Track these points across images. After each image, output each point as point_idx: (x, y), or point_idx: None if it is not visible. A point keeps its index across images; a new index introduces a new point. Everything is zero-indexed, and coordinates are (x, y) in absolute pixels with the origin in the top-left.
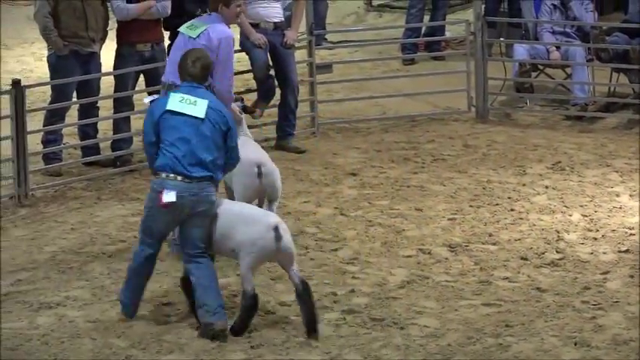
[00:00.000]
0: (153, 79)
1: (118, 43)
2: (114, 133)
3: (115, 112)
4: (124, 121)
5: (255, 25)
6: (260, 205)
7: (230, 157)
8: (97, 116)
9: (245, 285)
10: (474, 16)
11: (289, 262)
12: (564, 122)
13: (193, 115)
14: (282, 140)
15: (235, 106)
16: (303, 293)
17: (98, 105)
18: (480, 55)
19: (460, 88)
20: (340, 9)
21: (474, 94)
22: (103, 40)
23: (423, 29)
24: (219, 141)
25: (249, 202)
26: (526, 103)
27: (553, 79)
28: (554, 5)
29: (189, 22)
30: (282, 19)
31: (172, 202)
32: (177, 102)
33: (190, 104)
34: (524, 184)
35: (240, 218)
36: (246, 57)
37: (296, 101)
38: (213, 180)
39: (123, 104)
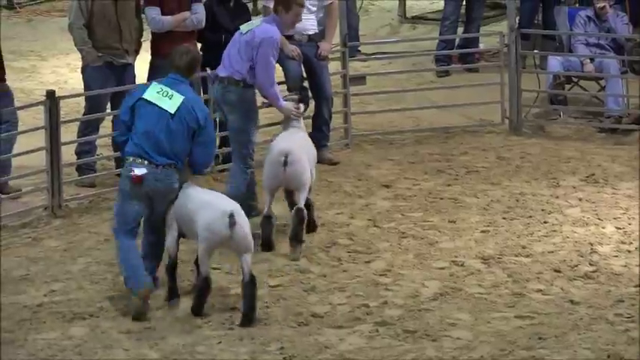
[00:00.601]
0: None
1: (152, 54)
2: None
3: None
4: None
5: (290, 37)
6: (291, 196)
7: (205, 153)
8: None
9: (200, 267)
10: (508, 28)
11: (243, 249)
12: (598, 134)
13: (164, 108)
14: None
15: (289, 104)
16: (248, 285)
17: None
18: (514, 67)
19: (494, 100)
20: (374, 21)
21: (508, 106)
22: (137, 51)
23: (457, 41)
24: (187, 136)
25: (274, 189)
26: (560, 116)
27: (587, 91)
28: (588, 17)
29: (247, 23)
30: (317, 30)
31: (143, 176)
32: (154, 92)
33: (166, 97)
34: (557, 197)
35: (202, 203)
36: (280, 68)
37: (330, 113)
38: (177, 168)
39: None
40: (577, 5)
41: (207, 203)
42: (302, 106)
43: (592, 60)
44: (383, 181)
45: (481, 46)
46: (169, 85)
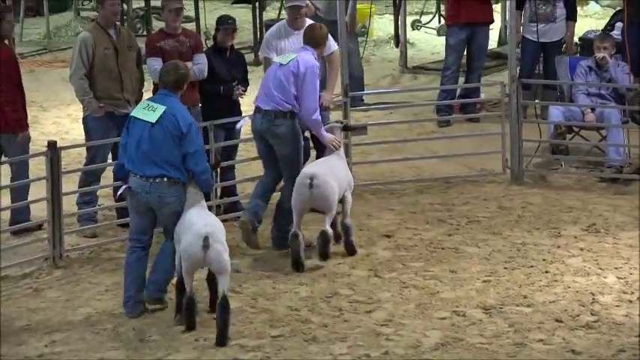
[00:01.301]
0: None
1: None
2: None
3: None
4: None
5: None
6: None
7: (193, 163)
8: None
9: (185, 285)
10: (509, 78)
11: (218, 272)
12: (599, 184)
13: (146, 120)
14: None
15: (330, 135)
16: (221, 306)
17: None
18: (515, 117)
19: (495, 150)
20: (376, 71)
21: (509, 156)
22: (138, 101)
23: (458, 91)
24: (172, 144)
25: (302, 211)
26: (561, 165)
27: (588, 141)
28: (589, 67)
29: (282, 55)
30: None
31: (126, 193)
32: (141, 109)
33: (150, 110)
34: (559, 246)
35: (187, 225)
36: None
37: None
38: (169, 180)
39: None
40: (578, 55)
41: (190, 225)
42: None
43: (593, 110)
44: (384, 231)
45: (482, 95)
46: (155, 100)
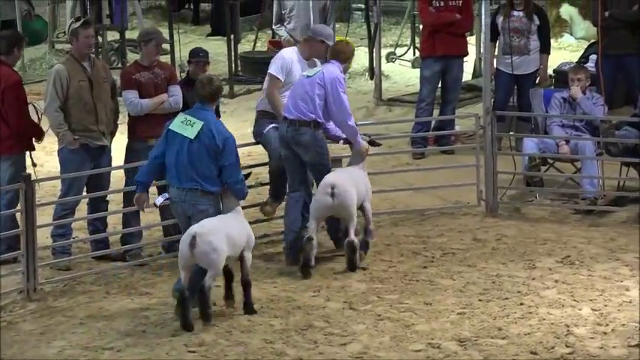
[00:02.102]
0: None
1: (129, 137)
2: (123, 227)
3: (124, 206)
4: (133, 215)
5: (266, 113)
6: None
7: (227, 175)
8: (107, 210)
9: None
10: (484, 110)
11: (205, 265)
12: (574, 216)
13: (185, 135)
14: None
15: (364, 144)
16: (199, 294)
17: (108, 199)
18: (490, 149)
19: (470, 182)
20: (351, 103)
21: (484, 188)
22: (113, 133)
23: (433, 123)
24: (209, 159)
25: (320, 218)
26: (536, 197)
27: (563, 172)
28: (563, 99)
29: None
30: None
31: (164, 202)
32: (179, 123)
33: (188, 125)
34: (533, 278)
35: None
36: (258, 151)
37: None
38: (204, 192)
39: (133, 199)
40: (552, 87)
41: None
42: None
43: (567, 141)
44: (359, 263)
45: (457, 128)
46: (192, 114)
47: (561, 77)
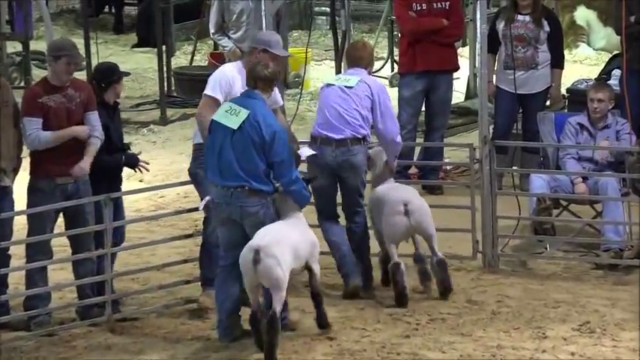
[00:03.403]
0: (76, 220)
1: (32, 174)
2: (27, 288)
3: (28, 262)
4: (39, 272)
5: None
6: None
7: (278, 173)
8: (8, 266)
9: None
10: (480, 140)
11: (270, 286)
12: (594, 272)
13: (229, 126)
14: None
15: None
16: (269, 325)
17: (10, 252)
18: (488, 188)
19: (463, 228)
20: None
21: (480, 237)
22: (16, 171)
23: (417, 155)
24: (253, 153)
25: (400, 241)
26: (546, 249)
27: (579, 217)
28: (580, 125)
29: (337, 76)
30: None
31: (206, 208)
32: (223, 112)
33: (233, 114)
34: (544, 351)
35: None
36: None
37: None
38: (251, 190)
39: (38, 251)
40: (565, 110)
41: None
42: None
43: (585, 178)
44: (324, 332)
45: (446, 159)
46: (239, 102)
47: (577, 97)
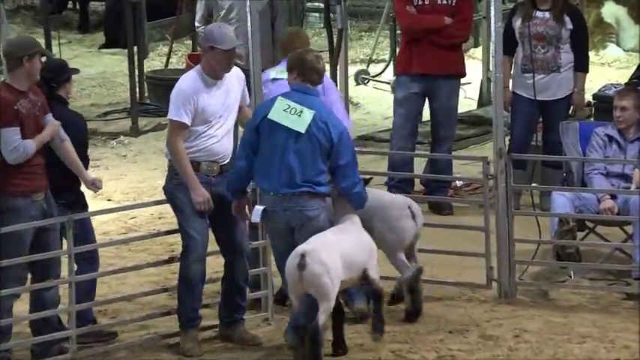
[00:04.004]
0: (43, 244)
1: (1, 193)
2: None
3: None
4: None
5: (196, 168)
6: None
7: (342, 177)
8: None
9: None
10: (495, 153)
11: (316, 294)
12: (624, 303)
13: (293, 128)
14: (227, 328)
15: None
16: (310, 338)
17: None
18: (504, 208)
19: (475, 252)
20: None
21: (495, 263)
22: None
23: (422, 169)
24: (319, 157)
25: (405, 247)
26: (570, 277)
27: (608, 241)
28: (608, 136)
29: (277, 69)
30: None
31: (260, 221)
32: (280, 111)
33: (294, 114)
34: None
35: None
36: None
37: (246, 275)
38: (312, 194)
39: (9, 279)
40: (592, 119)
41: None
42: None
43: (614, 197)
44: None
45: (456, 175)
46: (297, 100)
47: (605, 105)
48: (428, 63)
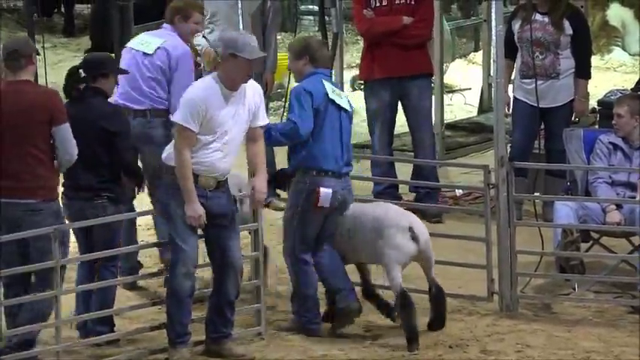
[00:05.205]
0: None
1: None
2: None
3: None
4: None
5: (194, 180)
6: None
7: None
8: None
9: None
10: (496, 161)
11: (427, 261)
12: (630, 316)
13: (346, 108)
14: (215, 344)
15: None
16: (435, 296)
17: None
18: (505, 218)
19: (476, 264)
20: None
21: (497, 276)
22: None
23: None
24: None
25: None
26: (573, 289)
27: (614, 252)
28: (613, 145)
29: (139, 37)
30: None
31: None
32: (330, 90)
33: (338, 95)
34: None
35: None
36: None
37: (238, 289)
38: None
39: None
40: (596, 127)
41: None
42: None
43: (620, 206)
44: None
45: (457, 184)
46: (333, 83)
47: (609, 112)
48: (391, 66)
